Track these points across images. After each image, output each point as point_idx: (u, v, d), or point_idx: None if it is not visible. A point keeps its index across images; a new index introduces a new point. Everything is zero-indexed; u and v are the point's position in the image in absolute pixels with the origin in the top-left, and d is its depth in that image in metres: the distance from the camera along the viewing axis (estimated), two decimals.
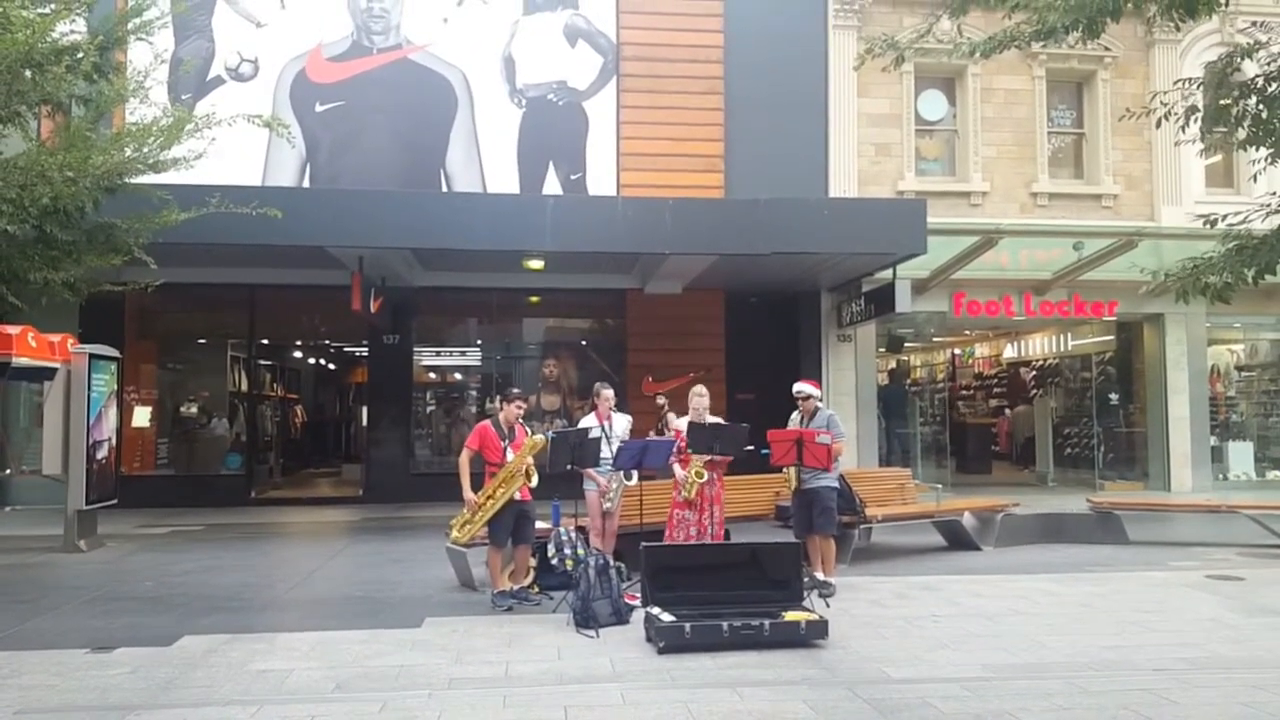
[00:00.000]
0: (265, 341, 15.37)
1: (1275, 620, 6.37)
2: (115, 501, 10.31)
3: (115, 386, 10.50)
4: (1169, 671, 5.17)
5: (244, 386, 14.77)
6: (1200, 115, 4.65)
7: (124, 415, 12.70)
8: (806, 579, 6.63)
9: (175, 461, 14.25)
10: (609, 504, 7.49)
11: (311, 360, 19.86)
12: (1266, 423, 16.77)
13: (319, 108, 13.49)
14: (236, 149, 10.76)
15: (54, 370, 9.50)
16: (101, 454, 9.98)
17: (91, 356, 9.78)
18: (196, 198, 8.79)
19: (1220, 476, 15.28)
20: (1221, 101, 4.49)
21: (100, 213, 8.41)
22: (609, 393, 7.86)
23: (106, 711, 4.51)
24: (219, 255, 11.39)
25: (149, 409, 13.91)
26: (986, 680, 5.02)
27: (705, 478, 7.22)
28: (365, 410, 14.99)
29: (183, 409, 14.44)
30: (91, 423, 9.71)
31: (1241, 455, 15.81)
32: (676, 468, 7.39)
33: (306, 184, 13.32)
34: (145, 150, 8.48)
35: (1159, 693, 4.77)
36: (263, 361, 15.84)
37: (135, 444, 13.74)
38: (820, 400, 7.81)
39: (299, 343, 17.64)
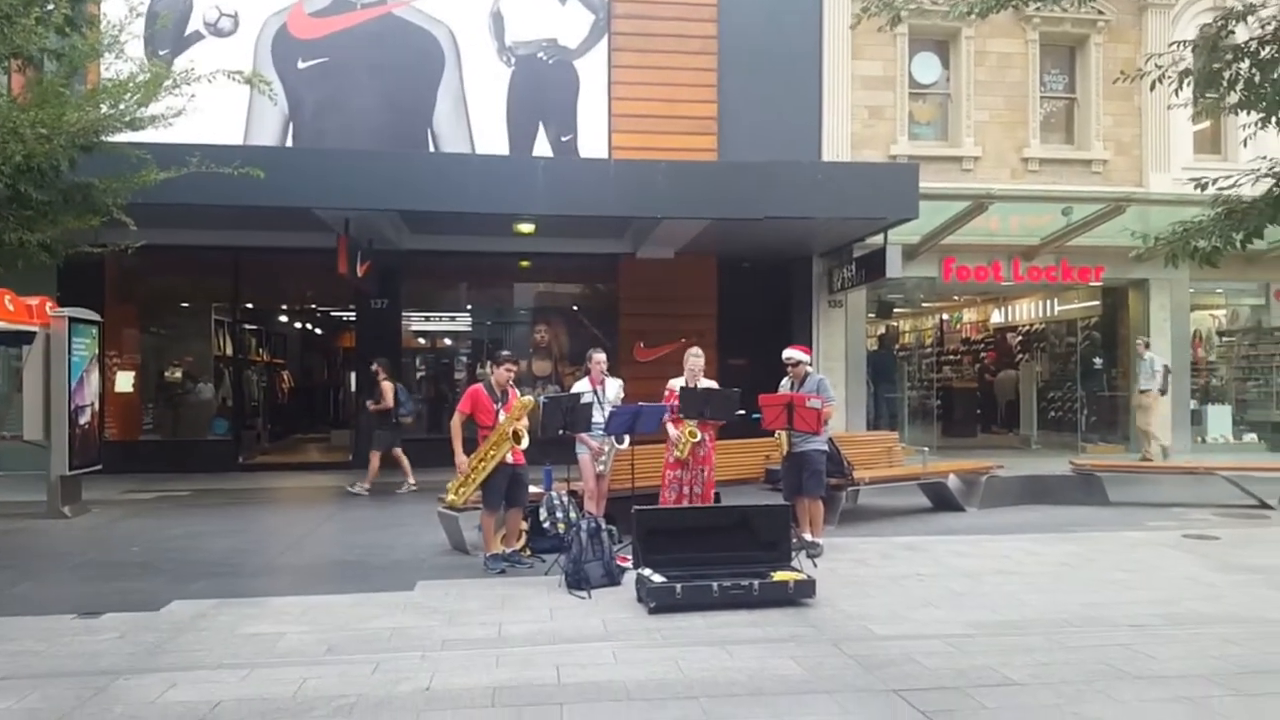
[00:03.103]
0: (250, 305, 15.25)
1: (1249, 578, 6.50)
2: (99, 467, 10.25)
3: (97, 351, 10.40)
4: (1146, 628, 5.28)
5: (229, 351, 14.66)
6: (1194, 79, 4.64)
7: (106, 380, 12.61)
8: (795, 540, 6.71)
9: (160, 427, 14.18)
10: (601, 467, 7.54)
11: (298, 325, 19.75)
12: (1245, 387, 16.97)
13: (301, 64, 13.26)
14: (217, 107, 10.54)
15: (33, 334, 9.37)
16: (84, 419, 9.90)
17: (71, 320, 9.65)
18: (176, 157, 8.62)
19: (1199, 439, 15.49)
20: (1214, 65, 4.47)
21: (76, 172, 8.24)
22: (601, 356, 7.89)
23: (95, 676, 4.51)
24: (201, 217, 11.22)
25: (132, 374, 13.80)
26: (969, 636, 5.11)
27: (699, 438, 7.29)
28: (353, 375, 14.93)
29: (167, 374, 14.33)
30: (73, 387, 9.62)
31: (1220, 418, 16.02)
32: (670, 427, 7.45)
33: (289, 144, 13.14)
34: (122, 107, 8.27)
35: (1136, 648, 4.87)
36: (248, 326, 15.72)
37: (119, 409, 13.65)
38: (811, 365, 7.85)
39: (285, 307, 17.51)
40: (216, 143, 9.98)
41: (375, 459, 11.29)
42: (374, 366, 11.55)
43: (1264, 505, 9.82)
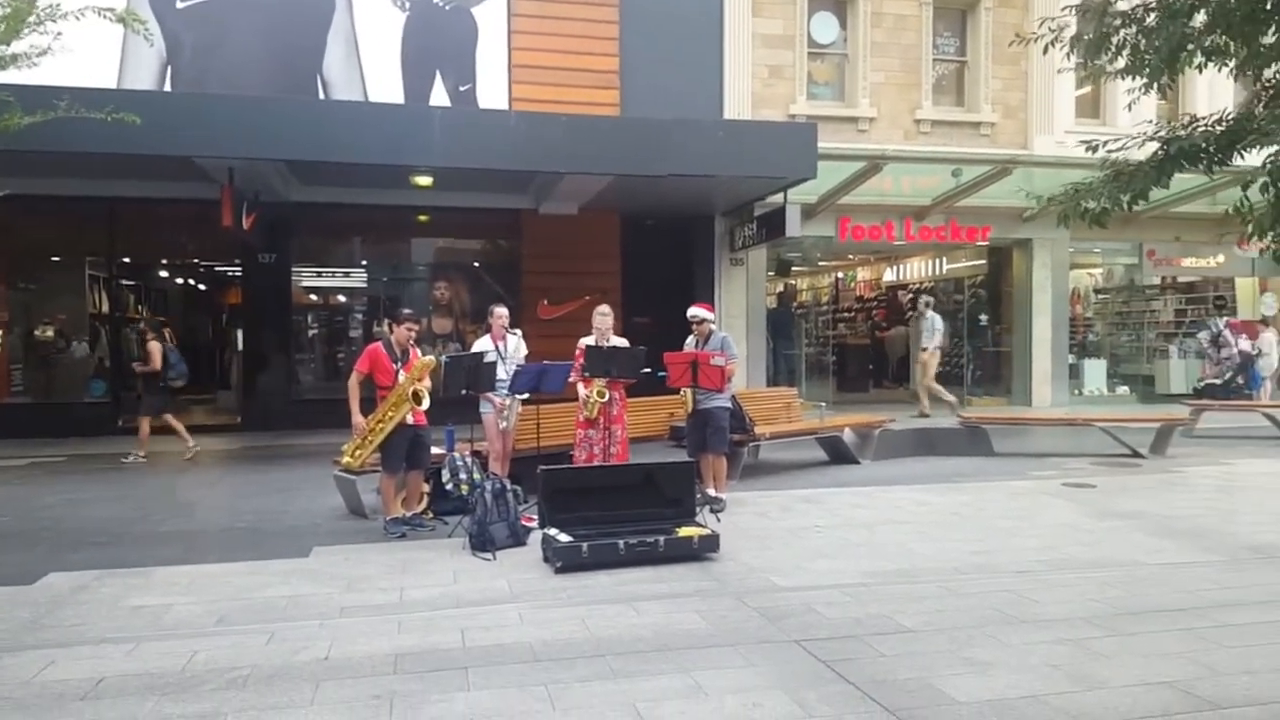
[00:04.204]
0: (127, 260, 14.39)
1: (1123, 523, 6.92)
2: None
3: None
4: (1030, 573, 5.55)
5: (105, 308, 13.85)
6: (1083, 44, 4.79)
7: None
8: (699, 495, 6.80)
9: (32, 389, 13.36)
10: (504, 424, 7.45)
11: (180, 280, 18.81)
12: (1118, 342, 18.03)
13: (180, 3, 12.40)
14: (87, 48, 9.78)
15: None
16: None
17: None
18: (43, 100, 7.96)
19: (1076, 392, 16.38)
20: (1103, 31, 4.62)
21: None
22: (503, 311, 7.78)
23: None
24: (72, 165, 10.51)
25: None
26: (865, 586, 5.28)
27: (606, 397, 7.28)
28: (240, 334, 14.33)
29: (37, 332, 13.46)
30: None
31: (1095, 372, 16.98)
32: (580, 387, 7.42)
33: (168, 88, 12.34)
34: None
35: (1021, 593, 5.12)
36: (125, 281, 14.88)
37: None
38: (714, 323, 7.91)
39: (165, 261, 16.59)
40: (88, 86, 9.27)
41: (145, 425, 10.76)
42: (141, 326, 11.04)
43: (1136, 454, 10.48)
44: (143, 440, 10.72)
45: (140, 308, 15.98)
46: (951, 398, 13.86)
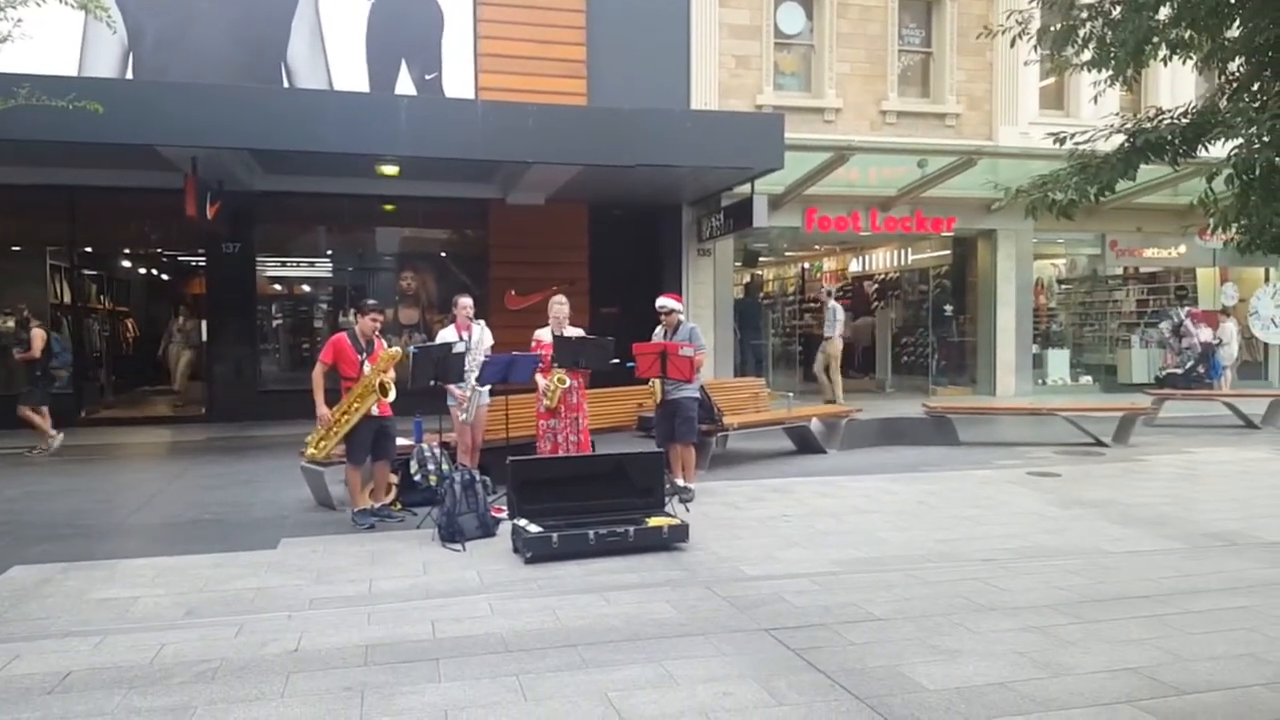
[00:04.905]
0: (89, 249, 14.12)
1: (1087, 512, 7.04)
2: None
3: None
4: (997, 561, 5.63)
5: (67, 298, 13.58)
6: (1050, 37, 4.85)
7: None
8: (668, 485, 6.82)
9: None
10: (464, 416, 7.38)
11: (143, 270, 18.49)
12: (1081, 332, 18.31)
13: None
14: (48, 35, 9.60)
15: None
16: None
17: None
18: (3, 88, 7.83)
19: (1040, 381, 16.61)
20: (1069, 23, 4.68)
21: None
22: (466, 301, 7.72)
23: None
24: (33, 153, 10.31)
25: None
26: (834, 574, 5.33)
27: (567, 384, 7.27)
28: (204, 324, 14.12)
29: None
30: None
31: (1059, 362, 17.24)
32: (539, 378, 7.39)
33: (130, 77, 12.10)
34: None
35: (988, 580, 5.19)
36: (87, 271, 14.61)
37: None
38: (682, 314, 7.93)
39: (128, 251, 16.29)
40: (49, 73, 9.06)
41: (37, 415, 10.46)
42: (25, 313, 10.79)
43: (1099, 443, 10.64)
44: (45, 429, 10.41)
45: (102, 298, 15.71)
46: (839, 394, 14.06)
